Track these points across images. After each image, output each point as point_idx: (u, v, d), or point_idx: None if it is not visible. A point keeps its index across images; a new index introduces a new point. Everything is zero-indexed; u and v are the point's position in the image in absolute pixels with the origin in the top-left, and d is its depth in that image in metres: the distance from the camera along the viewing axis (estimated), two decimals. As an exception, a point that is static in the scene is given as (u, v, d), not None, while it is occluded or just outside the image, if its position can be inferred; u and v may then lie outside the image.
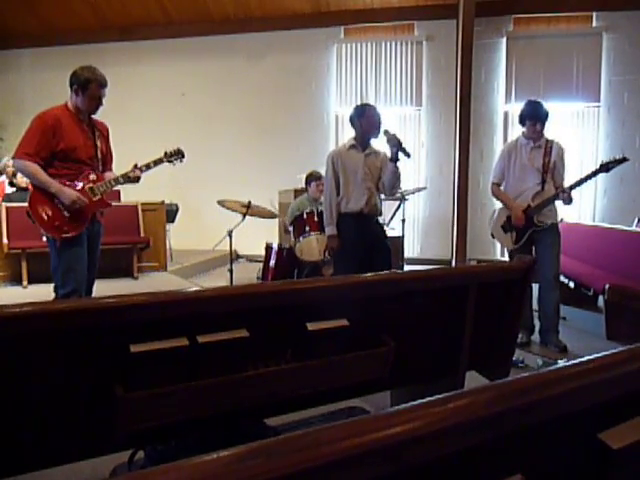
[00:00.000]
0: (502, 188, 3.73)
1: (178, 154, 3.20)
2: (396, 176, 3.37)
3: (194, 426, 1.56)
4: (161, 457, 1.63)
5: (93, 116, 3.01)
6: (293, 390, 1.63)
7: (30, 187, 2.93)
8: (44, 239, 2.96)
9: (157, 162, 3.12)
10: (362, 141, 3.45)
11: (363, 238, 3.43)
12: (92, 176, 2.94)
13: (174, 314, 1.47)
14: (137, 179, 3.05)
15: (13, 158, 2.86)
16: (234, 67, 7.71)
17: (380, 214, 3.59)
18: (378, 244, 3.48)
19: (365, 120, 3.39)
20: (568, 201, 3.43)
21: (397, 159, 3.29)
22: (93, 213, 2.98)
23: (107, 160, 3.12)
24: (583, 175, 3.43)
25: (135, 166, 3.05)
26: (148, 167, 3.08)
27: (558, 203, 3.55)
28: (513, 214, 3.55)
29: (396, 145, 3.24)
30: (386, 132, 3.33)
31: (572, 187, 3.41)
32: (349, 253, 3.44)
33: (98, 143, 2.99)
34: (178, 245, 7.01)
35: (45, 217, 2.83)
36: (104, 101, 2.97)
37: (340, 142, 7.46)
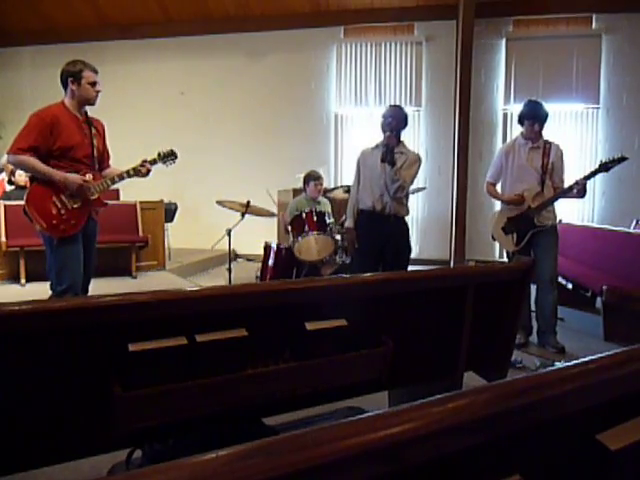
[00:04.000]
0: (498, 188, 3.74)
1: (171, 155, 3.21)
2: (390, 178, 3.39)
3: (192, 425, 1.56)
4: (159, 456, 1.63)
5: (89, 114, 3.01)
6: (291, 390, 1.63)
7: (28, 185, 2.92)
8: (40, 237, 2.96)
9: (152, 163, 3.12)
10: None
11: (375, 236, 3.48)
12: (89, 175, 2.94)
13: (173, 313, 1.47)
14: (148, 172, 3.06)
15: (8, 154, 2.85)
16: (233, 66, 7.70)
17: (398, 213, 3.52)
18: (390, 243, 3.49)
19: (382, 120, 3.50)
20: (583, 193, 3.41)
21: (387, 161, 3.35)
22: (89, 212, 2.98)
23: (104, 158, 3.13)
24: (582, 175, 3.44)
25: (144, 161, 3.06)
26: (150, 164, 3.08)
27: (559, 203, 3.56)
28: (512, 201, 3.55)
29: (385, 146, 3.35)
30: (388, 132, 3.39)
31: (587, 178, 3.39)
32: (363, 250, 3.55)
33: (95, 141, 2.99)
34: (177, 244, 7.01)
35: (42, 215, 2.82)
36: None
37: (339, 142, 7.50)
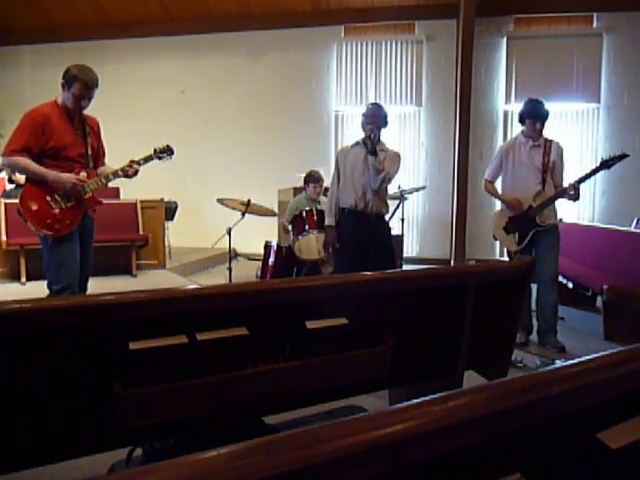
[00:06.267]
0: (500, 187, 3.74)
1: (167, 151, 3.18)
2: (374, 169, 3.38)
3: (192, 424, 1.56)
4: (159, 454, 1.63)
5: (87, 112, 2.99)
6: (292, 388, 1.63)
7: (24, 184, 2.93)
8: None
9: (147, 159, 3.10)
10: (366, 139, 3.49)
11: (358, 235, 3.47)
12: (83, 174, 2.93)
13: (173, 312, 1.47)
14: (135, 173, 3.03)
15: (2, 156, 2.85)
16: (234, 65, 7.70)
17: (380, 212, 3.56)
18: (373, 242, 3.49)
19: (364, 121, 3.51)
20: (576, 197, 3.42)
21: (371, 153, 3.35)
22: (84, 210, 2.97)
23: (99, 156, 3.11)
24: (584, 173, 3.44)
25: (132, 161, 3.04)
26: (138, 164, 3.07)
27: (559, 202, 3.55)
28: (511, 203, 3.55)
29: (369, 137, 3.34)
30: (370, 126, 3.40)
31: (580, 181, 3.40)
32: (345, 249, 3.53)
33: (89, 140, 2.98)
34: (177, 243, 7.01)
35: (36, 215, 2.82)
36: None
37: (340, 141, 7.49)
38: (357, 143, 3.58)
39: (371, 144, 3.34)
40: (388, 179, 3.45)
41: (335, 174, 3.63)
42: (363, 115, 3.54)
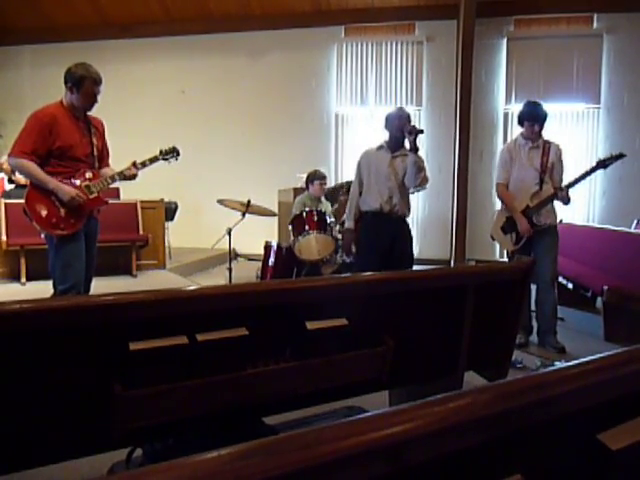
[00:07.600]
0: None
1: (173, 152, 3.20)
2: (417, 166, 3.37)
3: (192, 424, 1.56)
4: (159, 455, 1.63)
5: (88, 112, 3.01)
6: (292, 389, 1.63)
7: (28, 183, 2.93)
8: (42, 236, 2.97)
9: (153, 160, 3.12)
10: (391, 143, 3.50)
11: (381, 238, 3.46)
12: (88, 174, 2.94)
13: (173, 312, 1.47)
14: (134, 176, 3.06)
15: (9, 156, 2.86)
16: (234, 65, 7.70)
17: (404, 214, 3.54)
18: (397, 243, 3.48)
19: (390, 124, 3.48)
20: (567, 200, 3.42)
21: (416, 148, 3.33)
22: (90, 211, 2.98)
23: (103, 156, 3.12)
24: (580, 173, 3.45)
25: (133, 163, 3.06)
26: (144, 165, 3.08)
27: (557, 204, 3.55)
28: (520, 225, 3.52)
29: (414, 134, 3.29)
30: (409, 125, 3.35)
31: (569, 186, 3.40)
32: (367, 252, 3.52)
33: (94, 140, 2.99)
34: (177, 243, 7.01)
35: (42, 214, 2.83)
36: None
37: (340, 141, 7.50)
38: (381, 147, 3.54)
39: (414, 140, 3.30)
40: (426, 178, 3.45)
41: (357, 178, 3.60)
42: (389, 117, 3.49)
